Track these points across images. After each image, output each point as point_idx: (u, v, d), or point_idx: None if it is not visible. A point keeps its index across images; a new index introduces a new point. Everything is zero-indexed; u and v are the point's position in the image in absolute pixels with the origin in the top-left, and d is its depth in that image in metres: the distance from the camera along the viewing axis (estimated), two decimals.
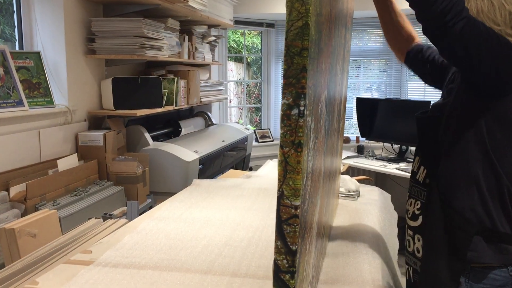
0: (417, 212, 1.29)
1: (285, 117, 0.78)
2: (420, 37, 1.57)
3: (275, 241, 0.80)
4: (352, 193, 2.11)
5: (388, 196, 2.29)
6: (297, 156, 0.77)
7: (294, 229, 0.78)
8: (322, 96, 0.98)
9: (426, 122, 1.32)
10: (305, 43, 0.75)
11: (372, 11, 5.01)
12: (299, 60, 0.76)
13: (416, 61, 1.55)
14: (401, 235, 4.28)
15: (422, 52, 1.51)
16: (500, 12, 1.15)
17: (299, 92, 0.76)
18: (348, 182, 2.15)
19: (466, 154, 1.19)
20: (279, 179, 0.79)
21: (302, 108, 0.77)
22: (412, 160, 1.40)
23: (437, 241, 1.21)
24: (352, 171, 4.37)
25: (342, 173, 2.61)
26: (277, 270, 0.80)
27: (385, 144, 4.65)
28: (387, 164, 4.19)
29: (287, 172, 0.78)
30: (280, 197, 0.79)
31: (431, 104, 1.42)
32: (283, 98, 0.78)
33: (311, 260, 1.02)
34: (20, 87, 2.27)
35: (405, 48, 1.57)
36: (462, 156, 1.20)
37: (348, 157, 4.49)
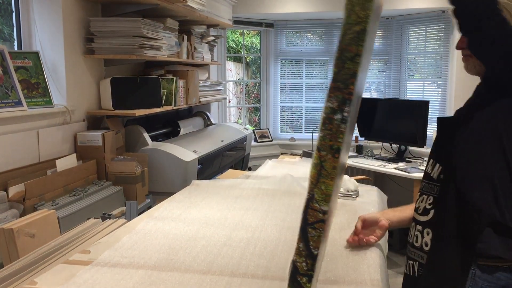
0: (428, 207, 1.31)
1: (327, 120, 0.76)
2: None
3: (297, 243, 0.78)
4: (351, 193, 2.11)
5: (385, 198, 2.29)
6: (334, 161, 0.76)
7: (319, 233, 0.77)
8: (356, 96, 0.98)
9: (448, 123, 1.34)
10: (360, 49, 0.74)
11: None
12: (351, 65, 0.74)
13: None
14: (399, 235, 4.28)
15: None
16: None
17: (346, 97, 0.75)
18: (347, 182, 2.16)
19: (483, 151, 1.20)
20: (311, 182, 0.77)
21: (346, 114, 0.75)
22: (423, 160, 1.42)
23: (448, 233, 1.23)
24: (351, 171, 4.38)
25: None
26: (295, 272, 0.79)
27: (384, 143, 4.65)
28: (386, 163, 4.19)
29: (321, 176, 0.76)
30: (310, 200, 0.77)
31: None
32: (327, 101, 0.76)
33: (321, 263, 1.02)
34: (18, 87, 2.27)
35: None
36: (478, 153, 1.21)
37: None
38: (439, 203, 1.28)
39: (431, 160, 1.35)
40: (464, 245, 1.20)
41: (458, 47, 1.33)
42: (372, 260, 1.43)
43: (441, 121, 1.37)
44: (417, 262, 1.36)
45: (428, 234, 1.29)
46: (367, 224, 1.50)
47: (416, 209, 1.39)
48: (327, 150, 0.76)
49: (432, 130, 4.46)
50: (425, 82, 4.83)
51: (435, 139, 1.40)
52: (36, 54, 2.46)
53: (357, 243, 1.48)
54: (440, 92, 4.61)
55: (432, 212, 1.29)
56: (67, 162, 2.39)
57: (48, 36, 2.53)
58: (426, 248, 1.30)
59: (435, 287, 1.26)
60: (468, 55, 1.32)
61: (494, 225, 1.18)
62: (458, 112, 1.36)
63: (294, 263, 0.79)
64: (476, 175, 1.21)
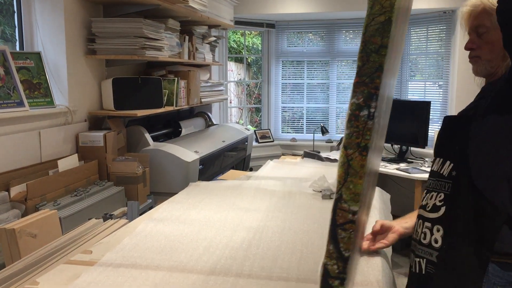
0: (438, 204, 1.30)
1: (353, 117, 0.73)
2: None
3: (327, 245, 0.76)
4: None
5: (388, 196, 2.29)
6: (362, 159, 0.73)
7: (349, 235, 0.74)
8: (384, 96, 0.94)
9: (457, 121, 1.34)
10: (385, 41, 0.71)
11: None
12: (376, 58, 0.71)
13: None
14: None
15: None
16: None
17: (372, 92, 0.72)
18: None
19: (501, 150, 1.19)
20: (338, 181, 0.75)
21: (372, 110, 0.72)
22: (432, 161, 1.42)
23: (463, 229, 1.23)
24: None
25: None
26: (326, 275, 0.77)
27: (385, 144, 4.65)
28: (388, 164, 4.19)
29: (349, 175, 0.74)
30: (338, 200, 0.75)
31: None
32: (352, 97, 0.73)
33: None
34: (20, 87, 2.27)
35: None
36: (496, 152, 1.21)
37: None
38: (451, 200, 1.28)
39: (438, 159, 1.35)
40: (480, 242, 1.20)
41: (467, 48, 1.34)
42: (376, 261, 1.43)
43: (449, 119, 1.37)
44: (424, 260, 1.35)
45: (438, 231, 1.29)
46: (383, 229, 1.50)
47: (423, 206, 1.38)
48: (354, 148, 0.73)
49: (433, 130, 4.46)
50: (426, 83, 4.83)
51: (438, 138, 1.40)
52: (38, 54, 2.46)
53: (367, 246, 1.48)
54: (441, 93, 4.61)
55: (443, 209, 1.29)
56: (69, 163, 2.39)
57: (50, 37, 2.53)
58: (436, 245, 1.30)
59: (451, 284, 1.27)
60: (477, 56, 1.32)
61: (510, 222, 1.18)
62: (465, 112, 1.36)
63: (324, 266, 0.77)
64: (493, 174, 1.20)
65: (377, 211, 1.94)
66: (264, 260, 1.40)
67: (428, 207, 1.35)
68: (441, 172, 1.32)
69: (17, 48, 2.54)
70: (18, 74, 2.31)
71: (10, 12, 2.52)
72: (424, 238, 1.33)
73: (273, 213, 1.87)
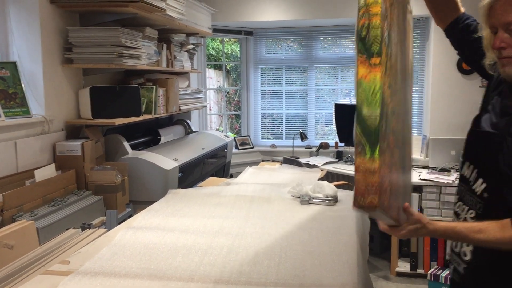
0: (470, 221, 1.31)
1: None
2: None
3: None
4: (330, 199, 2.14)
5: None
6: None
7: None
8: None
9: (483, 137, 1.31)
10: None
11: (348, 19, 5.05)
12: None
13: (460, 38, 1.52)
14: (380, 239, 4.29)
15: (468, 30, 1.44)
16: None
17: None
18: (325, 188, 2.18)
19: None
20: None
21: None
22: (461, 164, 1.40)
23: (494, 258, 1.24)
24: (331, 177, 4.42)
25: (320, 179, 2.64)
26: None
27: None
28: None
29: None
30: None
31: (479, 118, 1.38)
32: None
33: None
34: None
35: (447, 17, 1.53)
36: None
37: (327, 163, 4.53)
38: (482, 221, 1.26)
39: (468, 163, 1.34)
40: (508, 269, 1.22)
41: (497, 47, 1.22)
42: (352, 263, 1.45)
43: (476, 133, 1.33)
44: (453, 267, 1.39)
45: (468, 245, 1.31)
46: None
47: (456, 214, 1.39)
48: None
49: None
50: None
51: (466, 142, 1.37)
52: (14, 64, 2.44)
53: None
54: (417, 98, 4.70)
55: None
56: (46, 172, 2.37)
57: (25, 46, 2.51)
58: (465, 258, 1.33)
59: None
60: (510, 56, 1.20)
61: None
62: (485, 121, 1.32)
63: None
64: None
65: (354, 217, 1.97)
66: (243, 266, 1.42)
67: (460, 218, 1.36)
68: (474, 187, 1.30)
69: None
70: None
71: None
72: (456, 246, 1.37)
73: (252, 219, 1.89)
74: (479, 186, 1.29)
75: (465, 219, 1.33)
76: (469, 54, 1.53)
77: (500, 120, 1.28)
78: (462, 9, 1.53)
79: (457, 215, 1.39)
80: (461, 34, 1.50)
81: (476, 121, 1.39)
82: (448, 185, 3.65)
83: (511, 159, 1.20)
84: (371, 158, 0.92)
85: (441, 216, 3.69)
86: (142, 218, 1.90)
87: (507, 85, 1.29)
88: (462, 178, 1.38)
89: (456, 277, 1.38)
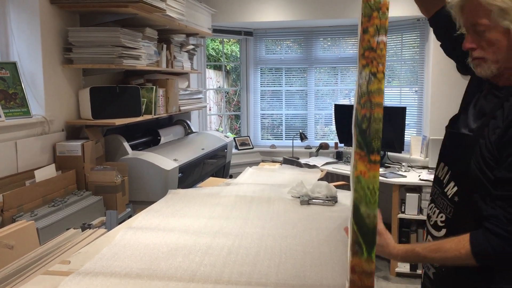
0: (440, 224, 1.30)
1: None
2: None
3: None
4: (330, 199, 2.14)
5: None
6: None
7: None
8: None
9: (459, 139, 1.27)
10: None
11: (348, 19, 5.06)
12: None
13: (442, 27, 1.48)
14: None
15: (451, 21, 1.35)
16: None
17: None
18: (325, 188, 2.19)
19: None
20: None
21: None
22: (436, 165, 1.37)
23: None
24: (331, 177, 4.42)
25: (320, 180, 2.65)
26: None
27: None
28: None
29: None
30: None
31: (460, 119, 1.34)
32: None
33: None
34: None
35: (434, 6, 1.48)
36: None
37: (326, 163, 4.53)
38: (452, 225, 1.24)
39: (443, 165, 1.31)
40: (476, 272, 1.18)
41: (466, 48, 1.22)
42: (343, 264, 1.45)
43: (454, 135, 1.30)
44: (424, 270, 1.38)
45: None
46: None
47: (428, 217, 1.36)
48: None
49: (409, 135, 4.54)
50: (402, 89, 4.92)
51: (443, 145, 1.35)
52: (14, 64, 2.44)
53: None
54: (416, 98, 4.70)
55: (443, 231, 1.28)
56: (46, 173, 2.37)
57: (25, 46, 2.51)
58: (434, 263, 1.31)
59: None
60: (480, 58, 1.20)
61: None
62: (462, 123, 1.29)
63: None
64: None
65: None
66: (243, 266, 1.42)
67: (431, 221, 1.34)
68: (445, 190, 1.28)
69: None
70: None
71: None
72: None
73: (252, 219, 1.89)
74: (451, 189, 1.26)
75: (435, 223, 1.31)
76: (448, 45, 1.49)
77: (475, 122, 1.24)
78: None
79: (428, 218, 1.36)
80: (443, 23, 1.45)
81: (453, 121, 1.36)
82: None
83: (482, 162, 1.16)
84: (368, 259, 0.90)
85: None
86: (142, 218, 1.90)
87: (488, 83, 1.26)
88: (436, 179, 1.36)
89: (427, 281, 1.37)
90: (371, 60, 0.83)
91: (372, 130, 0.86)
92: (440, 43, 1.57)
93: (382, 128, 0.85)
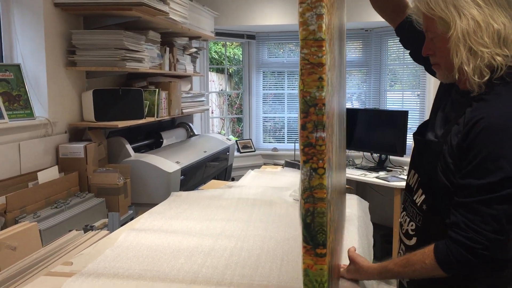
0: (411, 233, 1.28)
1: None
2: None
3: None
4: None
5: (366, 204, 2.33)
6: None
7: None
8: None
9: (425, 145, 1.26)
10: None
11: (350, 23, 5.07)
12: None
13: (406, 35, 1.50)
14: (381, 244, 4.30)
15: (415, 28, 1.33)
16: (487, 33, 1.08)
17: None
18: None
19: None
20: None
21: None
22: (408, 171, 1.35)
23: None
24: None
25: None
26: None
27: (365, 153, 4.71)
28: (367, 173, 4.25)
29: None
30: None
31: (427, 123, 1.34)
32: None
33: None
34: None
35: (398, 17, 1.49)
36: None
37: None
38: (421, 233, 1.24)
39: (414, 172, 1.30)
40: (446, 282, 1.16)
41: (424, 54, 1.23)
42: None
43: (420, 142, 1.30)
44: (398, 280, 1.38)
45: None
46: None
47: (400, 225, 1.35)
48: None
49: (411, 139, 4.53)
50: (404, 93, 4.92)
51: (413, 151, 1.34)
52: (18, 66, 2.46)
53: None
54: (419, 102, 4.70)
55: (414, 239, 1.27)
56: (49, 175, 2.38)
57: (29, 49, 2.53)
58: None
59: None
60: (436, 63, 1.22)
61: None
62: (431, 128, 1.28)
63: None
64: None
65: (356, 219, 1.98)
66: (245, 268, 1.42)
67: (403, 229, 1.33)
68: (414, 198, 1.27)
69: None
70: None
71: None
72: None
73: (254, 222, 1.89)
74: (419, 197, 1.24)
75: (406, 231, 1.30)
76: (415, 52, 1.48)
77: (442, 128, 1.23)
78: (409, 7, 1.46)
79: (400, 226, 1.35)
80: (408, 32, 1.45)
81: (422, 127, 1.35)
82: None
83: (447, 168, 1.14)
84: None
85: None
86: (144, 220, 1.91)
87: (455, 88, 1.24)
88: (407, 187, 1.34)
89: None
90: (311, 156, 0.83)
91: (316, 224, 0.85)
92: (408, 51, 1.58)
93: (326, 222, 0.85)
